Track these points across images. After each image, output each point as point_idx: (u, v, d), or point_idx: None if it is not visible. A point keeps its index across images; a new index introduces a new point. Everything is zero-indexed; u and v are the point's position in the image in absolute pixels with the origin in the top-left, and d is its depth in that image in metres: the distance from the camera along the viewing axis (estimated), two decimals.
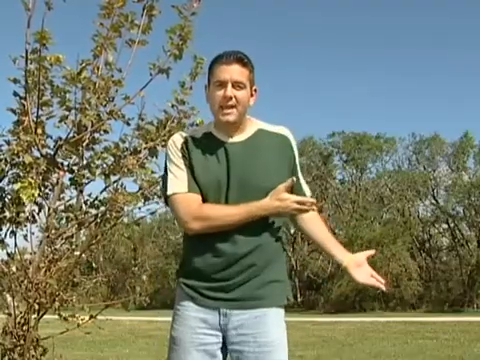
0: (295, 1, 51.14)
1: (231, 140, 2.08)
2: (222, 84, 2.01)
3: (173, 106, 2.88)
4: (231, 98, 2.00)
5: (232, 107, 2.02)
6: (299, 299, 31.87)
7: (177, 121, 2.87)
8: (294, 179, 1.99)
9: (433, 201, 32.66)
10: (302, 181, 2.20)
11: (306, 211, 2.05)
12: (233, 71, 2.01)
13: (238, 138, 2.08)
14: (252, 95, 2.10)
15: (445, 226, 32.90)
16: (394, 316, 21.52)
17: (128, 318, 17.39)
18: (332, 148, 34.48)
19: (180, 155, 2.08)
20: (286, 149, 2.12)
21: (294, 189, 2.08)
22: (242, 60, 2.03)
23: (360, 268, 2.10)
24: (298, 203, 1.99)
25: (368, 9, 48.97)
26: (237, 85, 2.01)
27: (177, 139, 2.11)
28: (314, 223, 2.19)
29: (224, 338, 2.03)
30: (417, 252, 32.46)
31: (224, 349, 2.05)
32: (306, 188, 2.22)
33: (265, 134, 2.11)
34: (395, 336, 12.29)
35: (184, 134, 2.14)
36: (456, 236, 32.01)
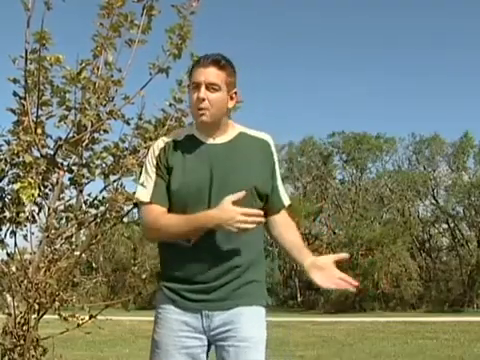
0: (294, 1, 51.16)
1: (213, 141, 2.11)
2: (197, 86, 2.04)
3: (171, 105, 2.88)
4: (203, 100, 2.03)
5: (206, 109, 2.04)
6: (299, 299, 31.89)
7: (176, 120, 2.87)
8: (251, 191, 2.01)
9: (433, 201, 32.68)
10: (280, 188, 2.19)
11: (250, 227, 1.94)
12: (208, 73, 2.03)
13: (220, 139, 2.11)
14: (232, 98, 2.11)
15: (445, 226, 32.92)
16: (394, 316, 21.52)
17: (128, 318, 17.38)
18: (332, 148, 34.52)
19: (154, 163, 2.11)
20: (267, 154, 2.15)
21: (271, 197, 2.14)
22: (218, 63, 2.05)
23: (322, 271, 2.07)
24: (245, 215, 1.92)
25: (367, 9, 49.02)
26: (211, 87, 2.03)
27: (157, 146, 2.15)
28: (286, 229, 2.20)
29: (208, 340, 2.04)
30: (417, 252, 32.47)
31: (208, 353, 2.07)
32: (285, 196, 2.21)
33: (246, 137, 2.14)
34: (395, 336, 12.30)
35: (166, 139, 2.17)
36: (456, 236, 32.02)
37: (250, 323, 2.02)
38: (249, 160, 2.09)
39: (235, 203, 1.95)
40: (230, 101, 2.10)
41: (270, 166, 2.14)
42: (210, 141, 2.10)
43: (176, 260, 2.08)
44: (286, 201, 2.21)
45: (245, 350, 1.98)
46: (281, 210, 2.19)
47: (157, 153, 2.11)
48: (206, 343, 2.04)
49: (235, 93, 2.12)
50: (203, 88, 2.02)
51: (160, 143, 2.14)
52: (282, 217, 2.20)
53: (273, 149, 2.18)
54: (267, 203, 2.13)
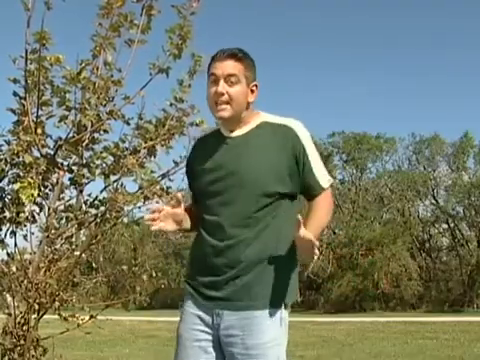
0: (294, 1, 51.15)
1: (232, 134, 2.10)
2: (215, 80, 2.02)
3: (172, 105, 2.88)
4: (223, 94, 2.00)
5: (226, 103, 2.02)
6: (299, 299, 31.87)
7: (176, 120, 2.87)
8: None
9: (433, 201, 32.65)
10: (316, 170, 2.08)
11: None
12: (226, 66, 2.00)
13: (239, 132, 2.09)
14: (252, 91, 2.08)
15: (445, 226, 32.87)
16: (394, 316, 21.50)
17: (128, 318, 17.38)
18: (332, 148, 34.47)
19: (186, 166, 2.28)
20: (288, 140, 2.05)
21: (307, 181, 2.07)
22: (236, 55, 2.03)
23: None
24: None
25: (367, 9, 48.97)
26: (229, 81, 2.01)
27: (194, 142, 2.30)
28: (313, 211, 2.11)
29: (219, 338, 2.03)
30: (417, 252, 32.44)
31: (220, 349, 2.04)
32: (323, 178, 2.11)
33: (268, 126, 2.08)
34: (395, 336, 12.29)
35: (200, 135, 2.31)
36: (456, 236, 32.00)
37: (260, 329, 1.96)
38: (263, 148, 2.04)
39: (233, 201, 2.00)
40: (250, 94, 2.07)
41: (292, 151, 2.03)
42: (230, 135, 2.10)
43: (194, 255, 2.14)
44: (324, 183, 2.10)
45: (253, 358, 1.95)
46: (321, 193, 2.10)
47: (190, 152, 2.26)
48: (216, 339, 2.03)
49: (255, 86, 2.09)
50: (222, 82, 2.00)
51: (195, 143, 2.27)
52: (322, 200, 2.10)
53: (299, 133, 2.06)
54: (304, 188, 2.08)
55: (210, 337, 2.03)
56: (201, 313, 2.04)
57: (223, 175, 2.04)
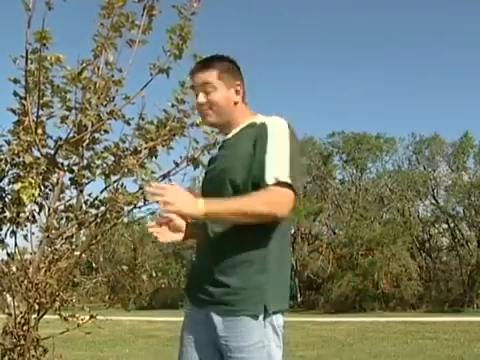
0: (294, 1, 51.14)
1: (227, 137, 2.16)
2: (196, 93, 2.11)
3: (173, 106, 2.88)
4: (203, 103, 2.08)
5: (209, 109, 2.08)
6: (299, 299, 31.87)
7: (177, 121, 2.87)
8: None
9: (433, 201, 32.65)
10: (268, 163, 1.90)
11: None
12: (200, 77, 2.09)
13: (232, 133, 2.14)
14: (237, 92, 2.10)
15: (445, 226, 32.88)
16: (394, 316, 21.50)
17: (128, 318, 17.40)
18: (332, 148, 34.47)
19: None
20: (257, 134, 1.97)
21: (254, 165, 1.92)
22: (207, 64, 2.10)
23: None
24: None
25: (366, 9, 48.98)
26: (206, 90, 2.07)
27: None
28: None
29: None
30: (417, 252, 32.44)
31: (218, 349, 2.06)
32: (271, 172, 1.88)
33: (251, 126, 2.06)
34: (395, 336, 12.29)
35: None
36: (456, 236, 32.00)
37: (243, 332, 1.93)
38: (237, 148, 2.01)
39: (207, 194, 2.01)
40: (236, 95, 2.09)
41: (256, 141, 1.95)
42: (225, 137, 2.17)
43: (195, 256, 2.17)
44: (269, 177, 1.87)
45: None
46: (267, 186, 1.87)
47: None
48: (214, 340, 2.01)
49: (239, 85, 2.10)
50: (201, 93, 2.08)
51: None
52: (263, 191, 1.87)
53: (269, 129, 1.96)
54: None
55: (205, 337, 2.04)
56: (197, 315, 2.06)
57: (211, 176, 2.12)
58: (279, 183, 1.86)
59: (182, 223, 2.10)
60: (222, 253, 1.98)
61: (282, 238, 2.01)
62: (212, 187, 2.06)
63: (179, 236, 2.13)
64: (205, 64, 2.11)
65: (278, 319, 1.99)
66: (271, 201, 1.86)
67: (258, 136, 1.97)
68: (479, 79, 50.54)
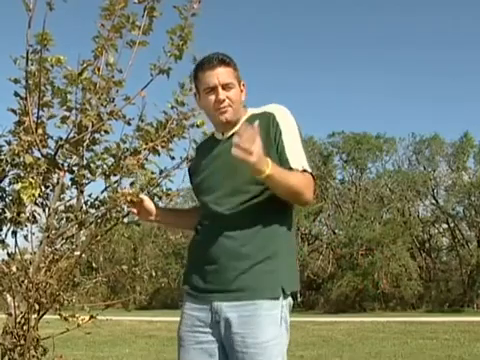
0: (294, 1, 51.14)
1: (224, 137, 2.16)
2: (212, 89, 2.05)
3: (173, 107, 2.88)
4: (224, 100, 2.05)
5: (228, 106, 2.07)
6: (299, 299, 31.88)
7: (177, 122, 2.87)
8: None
9: (433, 201, 32.65)
10: (288, 153, 2.00)
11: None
12: (219, 74, 2.05)
13: (231, 131, 2.13)
14: (242, 91, 2.15)
15: (445, 226, 32.88)
16: (394, 316, 21.51)
17: (128, 318, 17.41)
18: (332, 148, 34.47)
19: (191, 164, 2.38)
20: (268, 126, 2.03)
21: (278, 159, 1.99)
22: (224, 61, 2.07)
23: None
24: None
25: (367, 9, 48.97)
26: (226, 86, 2.06)
27: (195, 150, 2.43)
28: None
29: (220, 335, 2.03)
30: (417, 252, 32.44)
31: (223, 347, 2.05)
32: (294, 160, 2.00)
33: (252, 118, 2.07)
34: (395, 336, 12.30)
35: (201, 141, 2.43)
36: (456, 236, 32.00)
37: (260, 327, 1.95)
38: None
39: (223, 194, 2.03)
40: (242, 94, 2.15)
41: (271, 137, 2.02)
42: (222, 137, 2.16)
43: (190, 252, 2.19)
44: (295, 164, 1.98)
45: (251, 356, 1.93)
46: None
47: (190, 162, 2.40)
48: (218, 338, 2.02)
49: (243, 85, 2.16)
50: (220, 89, 2.04)
51: (196, 149, 2.41)
52: (296, 171, 1.98)
53: (278, 118, 2.04)
54: None
55: (212, 337, 2.03)
56: (199, 313, 2.05)
57: (213, 170, 2.10)
58: (305, 171, 1.99)
59: (152, 207, 2.27)
60: (236, 241, 1.98)
61: (293, 223, 2.11)
62: (220, 178, 2.06)
63: (152, 217, 2.28)
64: (223, 60, 2.06)
65: (290, 302, 2.05)
66: (306, 184, 1.98)
67: (269, 128, 2.02)
68: (479, 79, 50.53)
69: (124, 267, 3.47)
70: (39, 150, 2.70)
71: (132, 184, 2.66)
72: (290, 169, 1.97)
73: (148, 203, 2.27)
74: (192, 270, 2.11)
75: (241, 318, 1.96)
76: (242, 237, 1.99)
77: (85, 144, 2.73)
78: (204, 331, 2.03)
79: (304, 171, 1.99)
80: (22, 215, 2.77)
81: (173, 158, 2.92)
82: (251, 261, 1.98)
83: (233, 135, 2.09)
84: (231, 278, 1.97)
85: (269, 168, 1.84)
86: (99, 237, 2.96)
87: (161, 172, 2.94)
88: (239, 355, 1.95)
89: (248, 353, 1.94)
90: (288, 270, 2.05)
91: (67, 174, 2.82)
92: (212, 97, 2.06)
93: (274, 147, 2.01)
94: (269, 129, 2.03)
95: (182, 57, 2.72)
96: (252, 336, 1.94)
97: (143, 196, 2.28)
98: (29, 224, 2.81)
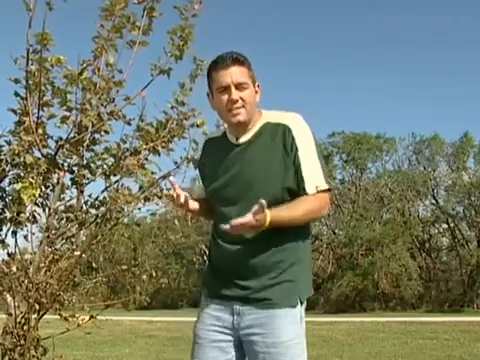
0: (294, 1, 51.14)
1: (238, 141, 2.10)
2: (226, 89, 2.00)
3: (173, 107, 2.88)
4: (237, 100, 1.99)
5: (242, 107, 2.01)
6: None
7: (177, 122, 2.87)
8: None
9: (433, 201, 32.62)
10: (305, 172, 2.00)
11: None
12: (233, 73, 1.99)
13: (244, 138, 2.09)
14: (256, 92, 2.09)
15: (445, 226, 32.85)
16: (394, 316, 21.49)
17: (128, 318, 17.38)
18: (332, 148, 34.44)
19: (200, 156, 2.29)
20: (286, 140, 2.01)
21: (298, 183, 2.00)
22: (239, 60, 2.01)
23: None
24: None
25: (367, 9, 48.96)
26: (240, 86, 2.00)
27: (204, 142, 2.30)
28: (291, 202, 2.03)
29: (239, 337, 2.04)
30: (417, 252, 32.42)
31: (240, 349, 2.05)
32: (310, 181, 2.00)
33: (269, 127, 2.06)
34: (395, 336, 12.29)
35: (210, 135, 2.31)
36: (456, 236, 31.98)
37: (280, 327, 1.97)
38: (266, 151, 2.03)
39: (242, 206, 1.98)
40: (256, 95, 2.09)
41: (288, 153, 2.00)
42: (236, 141, 2.10)
43: (211, 259, 2.16)
44: (310, 188, 1.99)
45: (273, 356, 1.95)
46: (305, 195, 2.00)
47: (201, 149, 2.27)
48: (236, 339, 2.04)
49: (258, 86, 2.10)
50: (233, 89, 1.99)
51: (205, 144, 2.28)
52: (304, 198, 2.00)
53: (294, 133, 2.02)
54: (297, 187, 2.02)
55: (230, 338, 2.04)
56: (220, 314, 2.06)
57: (230, 181, 2.06)
58: (319, 190, 2.01)
59: (196, 205, 2.19)
60: (259, 252, 1.99)
61: (310, 231, 2.17)
62: (236, 190, 2.04)
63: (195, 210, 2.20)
64: (237, 59, 2.01)
65: (304, 308, 2.10)
66: (317, 207, 2.01)
67: (285, 142, 2.00)
68: (479, 79, 50.52)
69: (124, 267, 3.47)
70: (39, 150, 2.70)
71: (141, 188, 2.64)
72: (303, 192, 1.99)
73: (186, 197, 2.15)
74: (215, 276, 2.12)
75: (261, 319, 1.99)
76: (264, 249, 2.00)
77: (85, 144, 2.73)
78: (222, 331, 2.04)
79: (318, 192, 2.01)
80: (22, 215, 2.77)
81: (176, 163, 2.93)
82: (274, 272, 2.00)
83: (251, 138, 2.08)
84: (253, 290, 2.00)
85: (267, 221, 1.89)
86: (99, 237, 2.96)
87: (164, 177, 2.95)
88: (260, 355, 1.97)
89: (270, 353, 1.96)
90: (306, 278, 2.10)
91: (67, 174, 2.82)
92: (225, 97, 2.00)
93: (291, 159, 2.00)
94: (285, 141, 2.01)
95: (182, 57, 2.73)
96: (272, 336, 1.97)
97: (179, 191, 2.13)
98: (29, 224, 2.81)
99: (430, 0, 47.58)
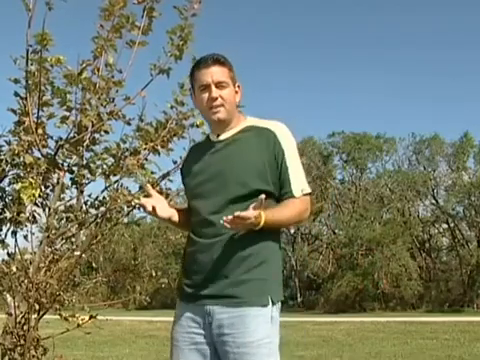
0: (294, 1, 51.15)
1: (219, 138, 2.17)
2: (206, 87, 2.09)
3: (172, 107, 2.88)
4: (217, 98, 2.08)
5: (221, 105, 2.10)
6: (299, 299, 31.87)
7: (176, 122, 2.87)
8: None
9: (433, 201, 32.63)
10: (292, 177, 2.09)
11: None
12: (213, 73, 2.08)
13: (225, 135, 2.16)
14: (236, 92, 2.17)
15: (445, 226, 32.87)
16: (394, 316, 21.50)
17: (128, 318, 17.41)
18: (332, 148, 34.46)
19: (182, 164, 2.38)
20: (269, 142, 2.09)
21: (281, 185, 2.10)
22: (219, 60, 2.11)
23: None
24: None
25: (367, 9, 48.98)
26: (220, 85, 2.09)
27: (188, 149, 2.42)
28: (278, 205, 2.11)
29: (212, 337, 2.04)
30: (417, 252, 32.43)
31: (216, 350, 2.06)
32: (297, 186, 2.10)
33: (253, 129, 2.14)
34: (395, 336, 12.30)
35: (194, 143, 2.45)
36: (456, 236, 31.99)
37: (250, 327, 1.98)
38: (246, 149, 2.10)
39: (217, 201, 2.04)
40: (236, 95, 2.17)
41: (273, 153, 2.07)
42: (217, 139, 2.17)
43: (185, 257, 2.20)
44: (296, 191, 2.08)
45: (243, 356, 1.96)
46: (291, 198, 2.09)
47: (183, 161, 2.38)
48: (211, 341, 2.05)
49: (238, 86, 2.18)
50: (213, 87, 2.08)
51: (189, 150, 2.39)
52: (290, 202, 2.09)
53: (279, 138, 2.10)
54: (279, 190, 2.10)
55: (205, 339, 2.05)
56: (193, 315, 2.07)
57: (208, 177, 2.12)
58: (304, 194, 2.12)
59: (168, 213, 2.23)
60: (231, 247, 2.02)
61: (280, 232, 2.19)
62: (213, 184, 2.09)
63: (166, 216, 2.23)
64: (218, 59, 2.11)
65: (278, 310, 2.08)
66: (303, 210, 2.10)
67: (271, 147, 2.08)
68: (479, 79, 50.54)
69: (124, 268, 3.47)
70: (39, 150, 2.70)
71: (141, 188, 2.65)
72: (291, 196, 2.08)
73: (157, 199, 2.24)
74: (186, 275, 2.14)
75: (232, 319, 1.99)
76: (236, 243, 2.03)
77: (85, 144, 2.73)
78: (198, 332, 2.06)
79: (299, 196, 2.10)
80: (22, 215, 2.76)
81: (175, 162, 2.93)
82: (245, 267, 2.02)
83: (233, 136, 2.14)
84: (223, 285, 2.02)
85: (262, 220, 1.96)
86: (99, 237, 2.96)
87: (164, 177, 2.95)
88: (231, 356, 1.97)
89: (240, 353, 1.96)
90: (277, 280, 2.11)
91: (67, 174, 2.82)
92: (206, 95, 2.09)
93: (275, 163, 2.08)
94: (270, 145, 2.09)
95: (182, 57, 2.72)
96: (243, 336, 1.97)
97: (151, 190, 2.26)
98: (29, 224, 2.81)
99: (430, 0, 47.62)
